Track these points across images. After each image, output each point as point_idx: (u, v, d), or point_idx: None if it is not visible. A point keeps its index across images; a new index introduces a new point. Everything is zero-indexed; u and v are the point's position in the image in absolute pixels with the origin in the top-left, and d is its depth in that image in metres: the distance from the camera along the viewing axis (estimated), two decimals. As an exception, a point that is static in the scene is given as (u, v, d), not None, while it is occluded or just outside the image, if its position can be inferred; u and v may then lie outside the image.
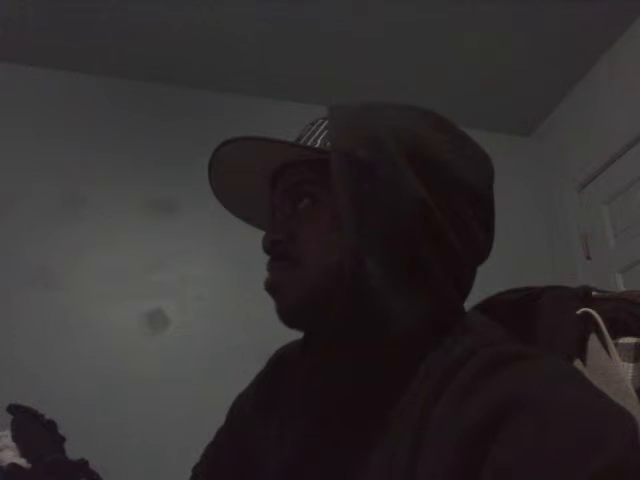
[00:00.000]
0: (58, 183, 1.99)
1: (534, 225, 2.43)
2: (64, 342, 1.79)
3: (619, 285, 1.99)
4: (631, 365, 0.53)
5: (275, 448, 0.54)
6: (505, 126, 2.51)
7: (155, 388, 1.79)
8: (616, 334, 0.55)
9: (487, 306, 0.63)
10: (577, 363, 0.52)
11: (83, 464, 0.61)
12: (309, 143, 0.56)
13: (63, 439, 0.62)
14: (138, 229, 2.01)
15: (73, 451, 0.62)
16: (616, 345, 0.54)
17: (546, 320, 0.57)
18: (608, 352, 0.54)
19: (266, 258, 0.57)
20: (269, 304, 0.58)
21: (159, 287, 1.95)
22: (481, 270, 0.59)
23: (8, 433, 0.59)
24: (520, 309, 0.61)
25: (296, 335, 0.62)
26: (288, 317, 0.55)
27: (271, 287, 0.55)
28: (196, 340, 1.89)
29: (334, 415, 0.50)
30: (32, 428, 0.60)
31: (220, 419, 0.69)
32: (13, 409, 0.62)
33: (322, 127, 0.56)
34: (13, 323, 1.78)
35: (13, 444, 0.58)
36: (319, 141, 0.55)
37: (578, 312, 0.56)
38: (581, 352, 0.54)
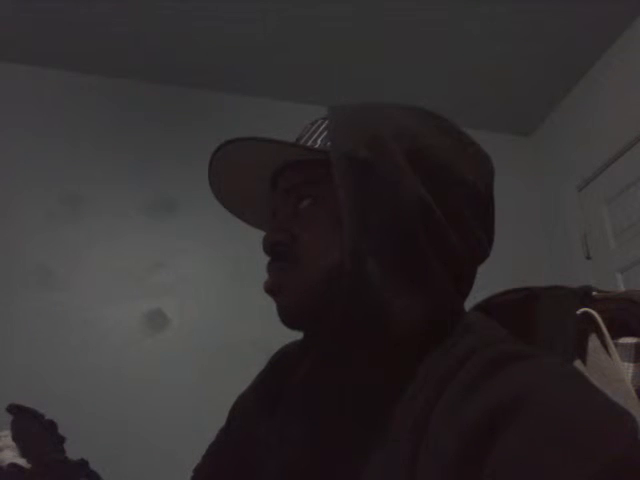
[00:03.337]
0: (58, 183, 1.99)
1: (534, 225, 2.43)
2: (64, 342, 1.79)
3: (619, 285, 1.99)
4: (631, 365, 0.53)
5: (275, 448, 0.54)
6: (505, 126, 2.51)
7: (155, 388, 1.79)
8: (616, 334, 0.55)
9: (487, 306, 0.63)
10: (577, 363, 0.52)
11: (83, 464, 0.61)
12: (309, 143, 0.56)
13: (63, 439, 0.62)
14: (138, 229, 2.01)
15: (73, 451, 0.62)
16: (616, 345, 0.54)
17: (546, 320, 0.57)
18: (608, 352, 0.54)
19: (266, 258, 0.57)
20: (269, 304, 0.58)
21: (159, 287, 1.95)
22: (481, 270, 0.59)
23: (8, 433, 0.59)
24: (520, 309, 0.61)
25: (296, 335, 0.62)
26: (289, 318, 0.55)
27: (272, 288, 0.55)
28: (196, 340, 1.89)
29: (334, 415, 0.50)
30: (32, 428, 0.60)
31: (220, 419, 0.69)
32: (13, 409, 0.62)
33: (322, 127, 0.56)
34: (13, 323, 1.78)
35: (13, 444, 0.58)
36: (319, 141, 0.55)
37: (578, 312, 0.56)
38: (581, 352, 0.54)
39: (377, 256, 0.48)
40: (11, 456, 0.56)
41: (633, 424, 0.36)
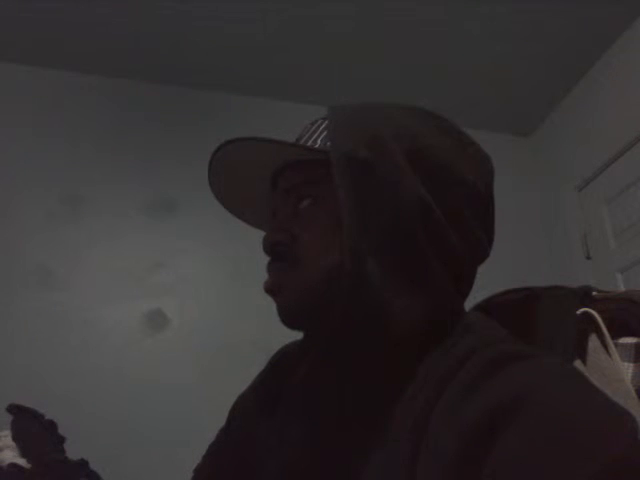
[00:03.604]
0: (58, 183, 1.99)
1: (534, 225, 2.43)
2: (64, 342, 1.79)
3: (619, 285, 1.99)
4: (631, 365, 0.53)
5: (275, 448, 0.54)
6: (505, 126, 2.51)
7: (155, 388, 1.79)
8: (616, 334, 0.55)
9: (487, 306, 0.63)
10: (577, 363, 0.52)
11: (83, 464, 0.61)
12: (309, 143, 0.56)
13: (63, 439, 0.62)
14: (138, 229, 2.01)
15: (73, 451, 0.62)
16: (616, 345, 0.54)
17: (546, 320, 0.57)
18: (608, 352, 0.54)
19: (266, 258, 0.57)
20: (269, 304, 0.58)
21: (159, 287, 1.95)
22: (481, 270, 0.59)
23: (8, 433, 0.59)
24: (520, 309, 0.61)
25: (296, 335, 0.62)
26: (289, 318, 0.55)
27: (272, 288, 0.55)
28: (196, 340, 1.89)
29: (334, 415, 0.50)
30: (32, 428, 0.60)
31: (220, 419, 0.69)
32: (13, 409, 0.62)
33: (322, 127, 0.56)
34: (13, 323, 1.78)
35: (13, 444, 0.58)
36: (319, 141, 0.55)
37: (578, 312, 0.56)
38: (581, 352, 0.54)
39: (377, 256, 0.48)
40: (11, 456, 0.56)
41: (633, 424, 0.36)
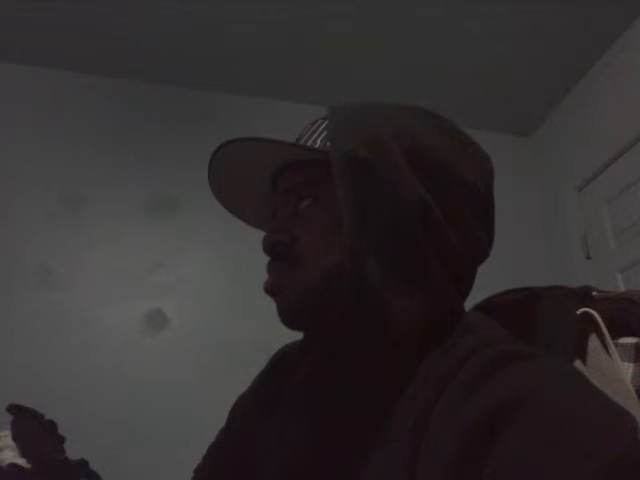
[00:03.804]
0: (58, 183, 1.99)
1: (534, 225, 2.43)
2: (64, 342, 1.79)
3: (619, 285, 1.99)
4: (631, 365, 0.53)
5: (275, 448, 0.54)
6: (505, 126, 2.51)
7: (155, 388, 1.79)
8: (616, 334, 0.55)
9: (487, 306, 0.63)
10: (577, 363, 0.52)
11: (83, 464, 0.61)
12: (309, 143, 0.56)
13: (63, 439, 0.62)
14: (138, 229, 2.01)
15: (73, 451, 0.62)
16: (616, 345, 0.54)
17: (546, 320, 0.57)
18: (608, 352, 0.54)
19: (266, 258, 0.57)
20: (269, 304, 0.58)
21: (159, 287, 1.95)
22: (481, 270, 0.59)
23: (8, 433, 0.59)
24: (520, 309, 0.61)
25: (296, 335, 0.62)
26: (289, 318, 0.55)
27: (272, 288, 0.55)
28: (196, 340, 1.89)
29: (334, 415, 0.50)
30: (32, 428, 0.60)
31: (220, 419, 0.69)
32: (13, 409, 0.62)
33: (322, 127, 0.56)
34: (13, 323, 1.78)
35: (13, 444, 0.58)
36: (319, 141, 0.55)
37: (578, 312, 0.56)
38: (581, 352, 0.54)
39: (377, 256, 0.48)
40: (11, 456, 0.56)
41: (633, 424, 0.36)
